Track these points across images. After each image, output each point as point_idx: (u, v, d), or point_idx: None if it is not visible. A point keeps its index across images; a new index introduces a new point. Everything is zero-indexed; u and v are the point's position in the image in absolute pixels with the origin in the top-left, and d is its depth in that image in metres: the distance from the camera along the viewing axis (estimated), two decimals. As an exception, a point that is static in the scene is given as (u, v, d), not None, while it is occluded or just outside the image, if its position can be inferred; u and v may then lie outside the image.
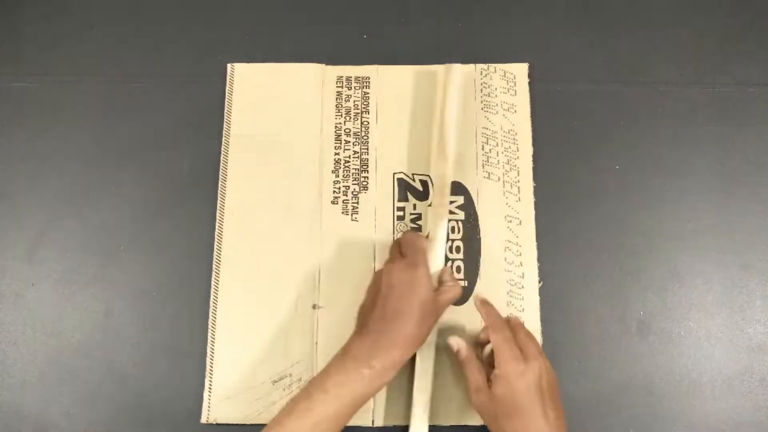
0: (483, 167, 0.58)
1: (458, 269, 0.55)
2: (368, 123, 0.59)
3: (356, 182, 0.58)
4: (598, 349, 0.54)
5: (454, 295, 0.49)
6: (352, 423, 0.52)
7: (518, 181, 0.57)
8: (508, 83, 0.60)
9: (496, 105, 0.59)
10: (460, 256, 0.56)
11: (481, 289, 0.55)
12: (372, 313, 0.46)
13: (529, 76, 0.60)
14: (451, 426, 0.52)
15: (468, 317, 0.54)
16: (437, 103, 0.59)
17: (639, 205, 0.57)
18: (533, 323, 0.54)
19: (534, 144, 0.59)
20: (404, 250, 0.49)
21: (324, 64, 0.61)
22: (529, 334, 0.49)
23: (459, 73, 0.57)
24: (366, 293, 0.50)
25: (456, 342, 0.50)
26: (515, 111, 0.59)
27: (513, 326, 0.49)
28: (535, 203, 0.57)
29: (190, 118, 0.60)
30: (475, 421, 0.52)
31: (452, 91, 0.57)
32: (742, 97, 0.60)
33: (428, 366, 0.51)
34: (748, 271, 0.56)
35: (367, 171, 0.58)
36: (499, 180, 0.58)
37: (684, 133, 0.59)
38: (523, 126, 0.59)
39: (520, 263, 0.56)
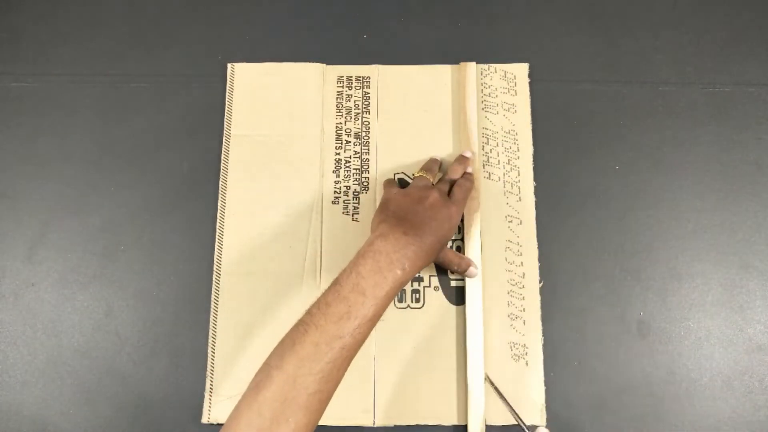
0: (483, 167, 0.58)
1: (458, 269, 0.56)
2: (369, 123, 0.59)
3: (357, 182, 0.58)
4: (598, 349, 0.54)
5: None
6: (352, 423, 0.52)
7: (519, 181, 0.57)
8: (508, 83, 0.60)
9: (497, 105, 0.59)
10: (461, 256, 0.56)
11: (482, 288, 0.55)
12: (397, 218, 0.48)
13: (530, 76, 0.60)
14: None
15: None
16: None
17: (639, 205, 0.57)
18: (533, 323, 0.54)
19: (534, 144, 0.59)
20: (453, 186, 0.54)
21: (324, 64, 0.61)
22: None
23: (474, 70, 0.59)
24: (395, 198, 0.51)
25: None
26: (515, 111, 0.59)
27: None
28: (536, 203, 0.57)
29: (190, 118, 0.60)
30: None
31: (470, 89, 0.58)
32: (742, 97, 0.60)
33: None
34: (748, 271, 0.56)
35: (368, 171, 0.58)
36: (499, 180, 0.58)
37: (684, 133, 0.59)
38: (524, 126, 0.59)
39: (521, 263, 0.56)
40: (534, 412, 0.52)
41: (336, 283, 0.44)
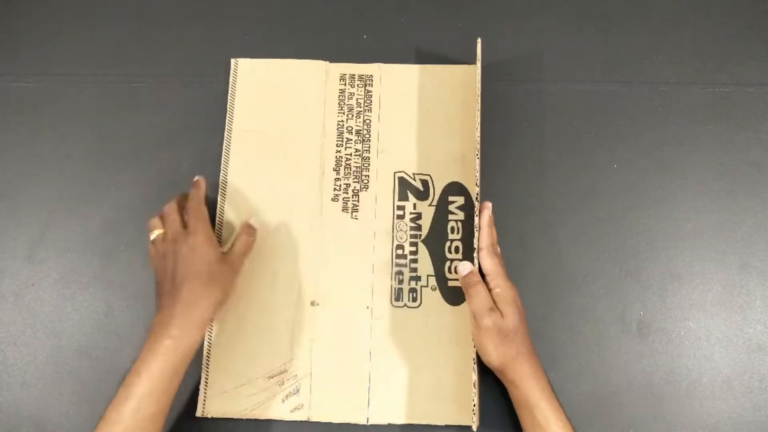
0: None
1: (457, 269, 0.55)
2: (370, 121, 0.59)
3: (357, 180, 0.58)
4: (598, 349, 0.54)
5: (243, 246, 0.53)
6: (347, 421, 0.52)
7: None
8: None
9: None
10: (459, 256, 0.56)
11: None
12: (163, 288, 0.48)
13: (530, 75, 0.60)
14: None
15: (465, 318, 0.54)
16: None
17: (639, 205, 0.57)
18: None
19: (535, 144, 0.58)
20: (186, 218, 0.51)
21: (327, 62, 0.61)
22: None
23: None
24: (156, 272, 0.50)
25: (464, 266, 0.51)
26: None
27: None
28: (536, 203, 0.57)
29: (191, 118, 0.60)
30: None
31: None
32: (742, 97, 0.60)
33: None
34: (748, 271, 0.56)
35: (369, 169, 0.58)
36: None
37: (684, 133, 0.59)
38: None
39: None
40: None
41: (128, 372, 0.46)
